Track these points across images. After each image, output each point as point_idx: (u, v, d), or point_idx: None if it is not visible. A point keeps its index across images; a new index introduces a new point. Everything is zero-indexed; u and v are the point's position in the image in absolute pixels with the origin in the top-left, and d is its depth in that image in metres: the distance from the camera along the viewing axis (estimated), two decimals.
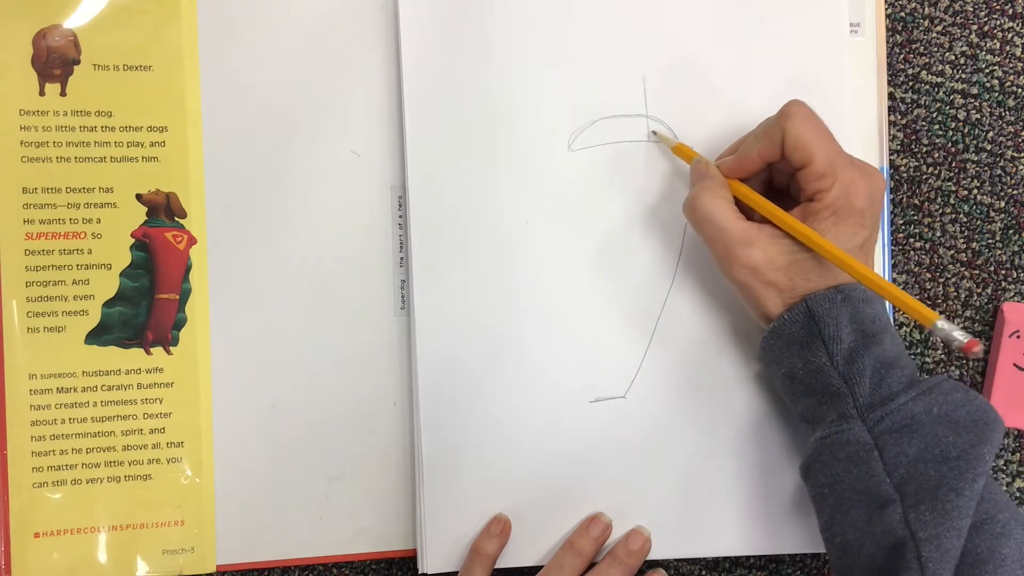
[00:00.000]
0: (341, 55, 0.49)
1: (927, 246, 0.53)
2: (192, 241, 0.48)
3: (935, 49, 0.53)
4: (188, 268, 0.48)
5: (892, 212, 0.53)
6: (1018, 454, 0.53)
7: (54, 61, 0.47)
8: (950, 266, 0.53)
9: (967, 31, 0.53)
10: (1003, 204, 0.53)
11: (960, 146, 0.53)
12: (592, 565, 0.47)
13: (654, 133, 0.49)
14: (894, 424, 0.39)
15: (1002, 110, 0.53)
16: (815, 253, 0.41)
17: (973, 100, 0.53)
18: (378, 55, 0.49)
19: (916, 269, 0.53)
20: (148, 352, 0.48)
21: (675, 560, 0.52)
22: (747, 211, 0.44)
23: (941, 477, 0.38)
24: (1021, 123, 0.53)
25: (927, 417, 0.39)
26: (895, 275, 0.53)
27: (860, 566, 0.39)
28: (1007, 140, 0.53)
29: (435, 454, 0.48)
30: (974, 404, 0.40)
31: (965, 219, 0.53)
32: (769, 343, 0.43)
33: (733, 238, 0.42)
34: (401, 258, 0.49)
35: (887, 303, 0.43)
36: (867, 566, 0.39)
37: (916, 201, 0.53)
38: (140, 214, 0.48)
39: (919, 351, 0.53)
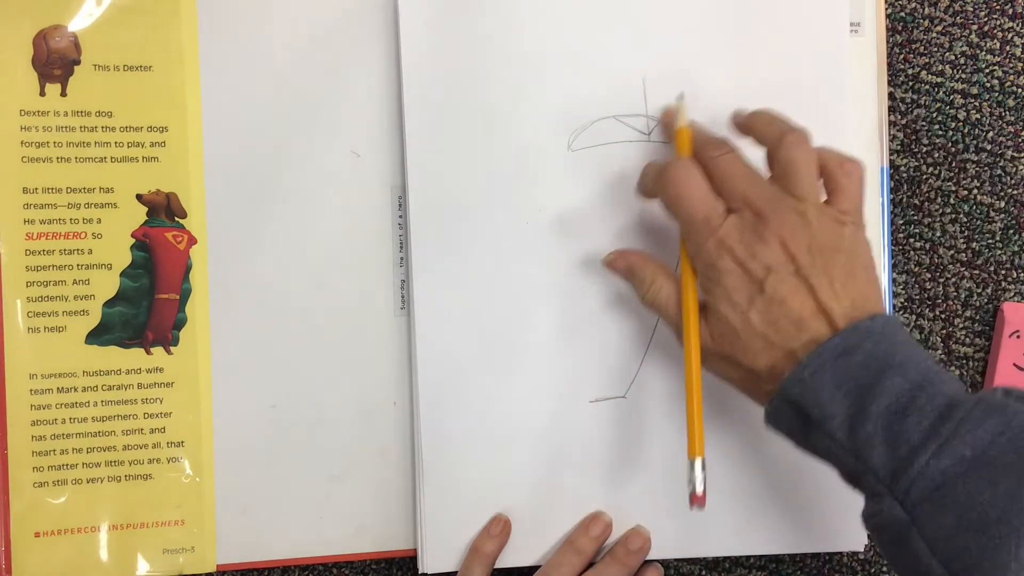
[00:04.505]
0: (341, 55, 0.49)
1: (927, 246, 0.53)
2: (192, 241, 0.48)
3: (935, 49, 0.53)
4: (188, 268, 0.48)
5: (892, 212, 0.53)
6: None
7: (54, 61, 0.47)
8: (950, 266, 0.53)
9: (967, 31, 0.53)
10: (1003, 204, 0.53)
11: (960, 146, 0.53)
12: (591, 565, 0.47)
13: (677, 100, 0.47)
14: (924, 490, 0.33)
15: (1002, 110, 0.53)
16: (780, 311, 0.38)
17: (973, 100, 0.53)
18: (378, 55, 0.49)
19: (916, 269, 0.53)
20: (148, 352, 0.48)
21: (675, 560, 0.52)
22: None
23: (982, 551, 0.32)
24: (1021, 123, 0.53)
25: (959, 468, 0.33)
26: (895, 275, 0.53)
27: None
28: (1007, 140, 0.53)
29: (435, 454, 0.48)
30: (1013, 424, 0.33)
31: (965, 219, 0.53)
32: (774, 432, 0.39)
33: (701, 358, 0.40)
34: (401, 258, 0.49)
35: (883, 324, 0.36)
36: None
37: (916, 201, 0.53)
38: (140, 214, 0.48)
39: None
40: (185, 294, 0.48)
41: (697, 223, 0.39)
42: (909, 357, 0.35)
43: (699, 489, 0.39)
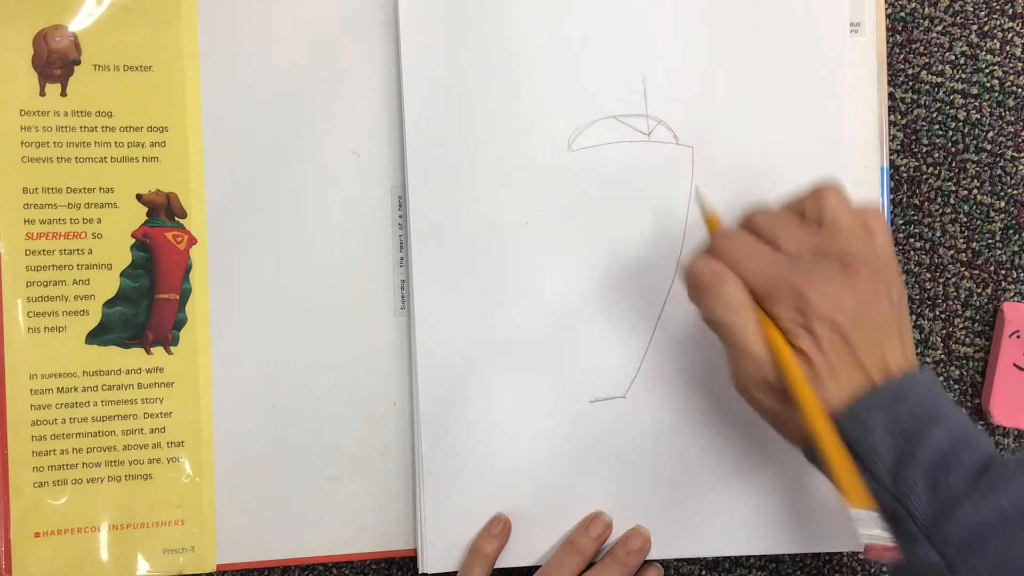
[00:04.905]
0: (341, 55, 0.49)
1: (927, 246, 0.53)
2: (192, 241, 0.48)
3: (935, 49, 0.53)
4: (188, 268, 0.48)
5: (892, 212, 0.53)
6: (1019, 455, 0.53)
7: (55, 61, 0.47)
8: (950, 266, 0.53)
9: (967, 31, 0.53)
10: (1003, 204, 0.53)
11: (960, 146, 0.53)
12: (591, 565, 0.47)
13: (697, 192, 0.48)
14: (963, 538, 0.34)
15: (1002, 110, 0.53)
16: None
17: (973, 100, 0.53)
18: (378, 55, 0.49)
19: (916, 269, 0.53)
20: (148, 352, 0.48)
21: (675, 560, 0.52)
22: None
23: None
24: (1021, 123, 0.53)
25: (999, 519, 0.34)
26: None
27: None
28: (1007, 140, 0.53)
29: (435, 454, 0.48)
30: None
31: (965, 219, 0.53)
32: (813, 466, 0.39)
33: (768, 363, 0.38)
34: (401, 258, 0.49)
35: (930, 378, 0.38)
36: None
37: (916, 201, 0.53)
38: (140, 214, 0.48)
39: (918, 351, 0.53)
40: (185, 294, 0.48)
41: (778, 281, 0.38)
42: (951, 413, 0.37)
43: (867, 537, 0.36)
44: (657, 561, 0.50)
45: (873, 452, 0.36)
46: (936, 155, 0.53)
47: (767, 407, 0.39)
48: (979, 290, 0.53)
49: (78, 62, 0.47)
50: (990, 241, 0.53)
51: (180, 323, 0.48)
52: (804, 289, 0.37)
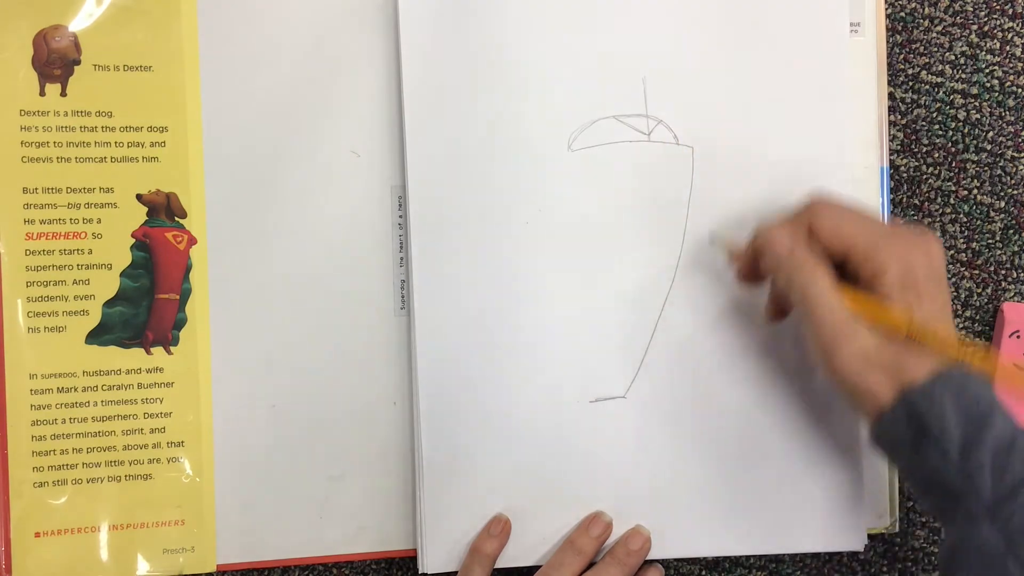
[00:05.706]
0: (341, 55, 0.49)
1: None
2: (192, 241, 0.48)
3: (935, 49, 0.53)
4: (188, 268, 0.48)
5: (892, 212, 0.53)
6: None
7: (55, 61, 0.47)
8: (950, 266, 0.53)
9: (967, 31, 0.53)
10: (1003, 204, 0.53)
11: (960, 146, 0.53)
12: (592, 565, 0.47)
13: (714, 235, 0.48)
14: None
15: (1002, 110, 0.53)
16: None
17: (973, 100, 0.53)
18: (378, 55, 0.49)
19: None
20: (148, 352, 0.48)
21: (675, 560, 0.52)
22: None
23: None
24: (1021, 123, 0.53)
25: None
26: None
27: None
28: (1007, 140, 0.53)
29: (435, 454, 0.48)
30: None
31: (965, 219, 0.53)
32: (876, 446, 0.40)
33: (842, 321, 0.39)
34: (401, 258, 0.49)
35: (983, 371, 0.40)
36: None
37: (916, 201, 0.53)
38: (140, 214, 0.48)
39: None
40: (185, 294, 0.48)
41: (880, 241, 0.40)
42: (1005, 405, 0.38)
43: None
44: (657, 561, 0.50)
45: (945, 429, 0.37)
46: (936, 155, 0.53)
47: (851, 374, 0.39)
48: (979, 290, 0.53)
49: (78, 62, 0.47)
50: (990, 241, 0.53)
51: (180, 323, 0.48)
52: (909, 251, 0.39)
